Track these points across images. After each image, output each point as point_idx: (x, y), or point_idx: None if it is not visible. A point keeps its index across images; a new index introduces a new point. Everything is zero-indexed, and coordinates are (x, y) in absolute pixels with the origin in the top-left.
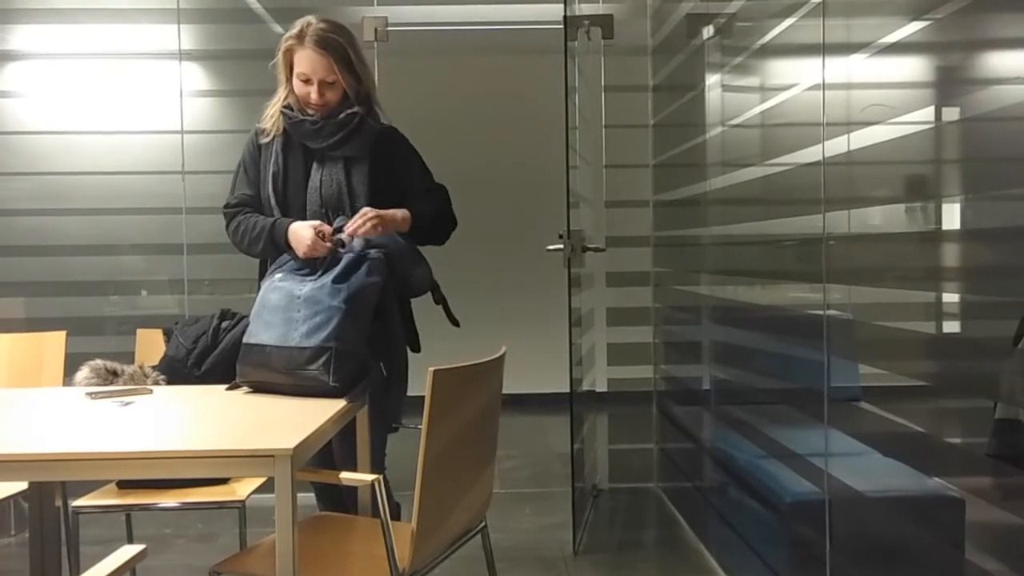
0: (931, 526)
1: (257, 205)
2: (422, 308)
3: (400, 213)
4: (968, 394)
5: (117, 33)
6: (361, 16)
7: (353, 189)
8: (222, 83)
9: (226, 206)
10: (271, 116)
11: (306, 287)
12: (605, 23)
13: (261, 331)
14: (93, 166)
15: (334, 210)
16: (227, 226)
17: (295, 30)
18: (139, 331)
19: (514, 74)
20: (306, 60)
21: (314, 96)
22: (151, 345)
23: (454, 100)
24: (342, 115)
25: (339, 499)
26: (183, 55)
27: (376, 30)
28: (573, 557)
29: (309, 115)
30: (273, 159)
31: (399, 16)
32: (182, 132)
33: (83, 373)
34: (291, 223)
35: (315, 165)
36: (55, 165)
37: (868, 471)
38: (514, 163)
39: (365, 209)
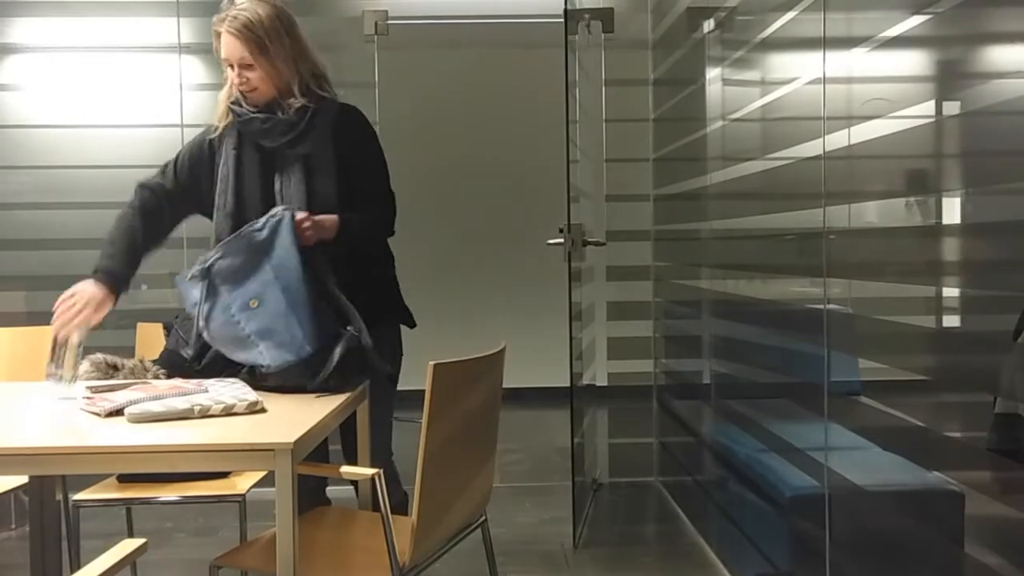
0: (931, 520)
1: (165, 196)
2: (421, 303)
3: (330, 220)
4: (968, 388)
5: (117, 26)
6: (362, 9)
7: (316, 191)
8: (222, 77)
9: (142, 183)
10: (222, 110)
11: (244, 316)
12: (606, 17)
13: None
14: (93, 160)
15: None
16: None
17: (219, 14)
18: (139, 325)
19: (514, 68)
20: (224, 44)
21: (235, 80)
22: (151, 339)
23: (454, 94)
24: (292, 111)
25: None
26: (183, 48)
27: (376, 23)
28: (573, 551)
29: (257, 111)
30: (223, 159)
31: (399, 9)
32: (182, 126)
33: (84, 367)
34: (94, 277)
35: (276, 169)
36: (55, 159)
37: (868, 465)
38: (514, 157)
39: (300, 216)
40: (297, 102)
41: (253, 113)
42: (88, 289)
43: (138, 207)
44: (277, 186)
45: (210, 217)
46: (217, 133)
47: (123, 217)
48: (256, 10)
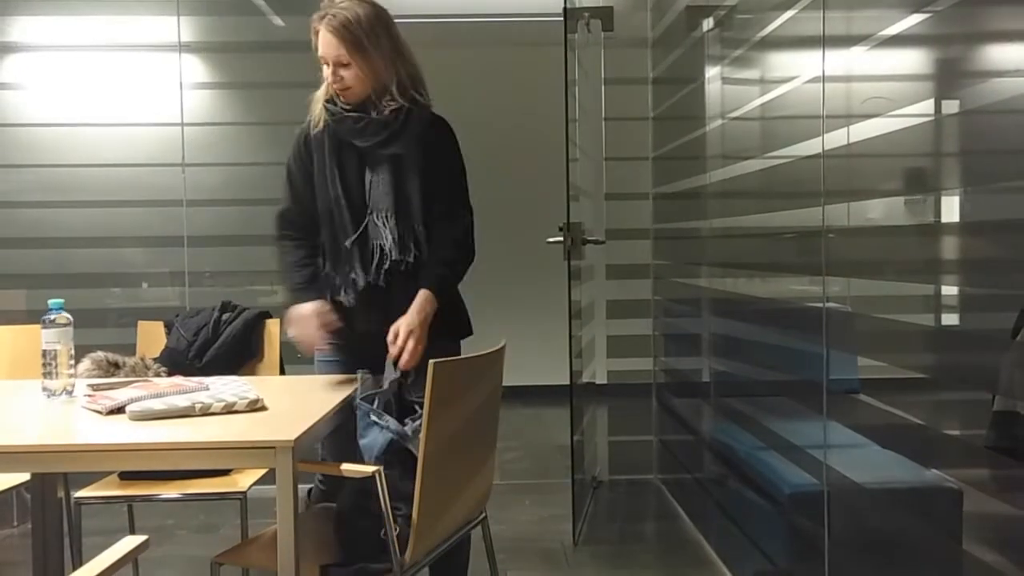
0: (929, 517)
1: (301, 217)
2: None
3: (427, 306)
4: (966, 386)
5: (117, 25)
6: None
7: (404, 192)
8: (222, 75)
9: (279, 212)
10: (316, 109)
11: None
12: (605, 15)
13: None
14: (93, 158)
15: (386, 214)
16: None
17: (319, 12)
18: (140, 323)
19: (514, 66)
20: (321, 42)
21: (329, 77)
22: (152, 337)
23: (453, 92)
24: (387, 111)
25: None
26: (183, 47)
27: None
28: (573, 548)
29: (348, 109)
30: (321, 155)
31: (398, 8)
32: (182, 124)
33: (84, 365)
34: (301, 307)
35: (368, 167)
36: (55, 157)
37: (867, 463)
38: (514, 156)
39: (399, 335)
40: (394, 103)
41: (347, 112)
42: (317, 305)
43: (292, 239)
44: (367, 185)
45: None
46: (316, 131)
47: (283, 251)
48: (355, 9)
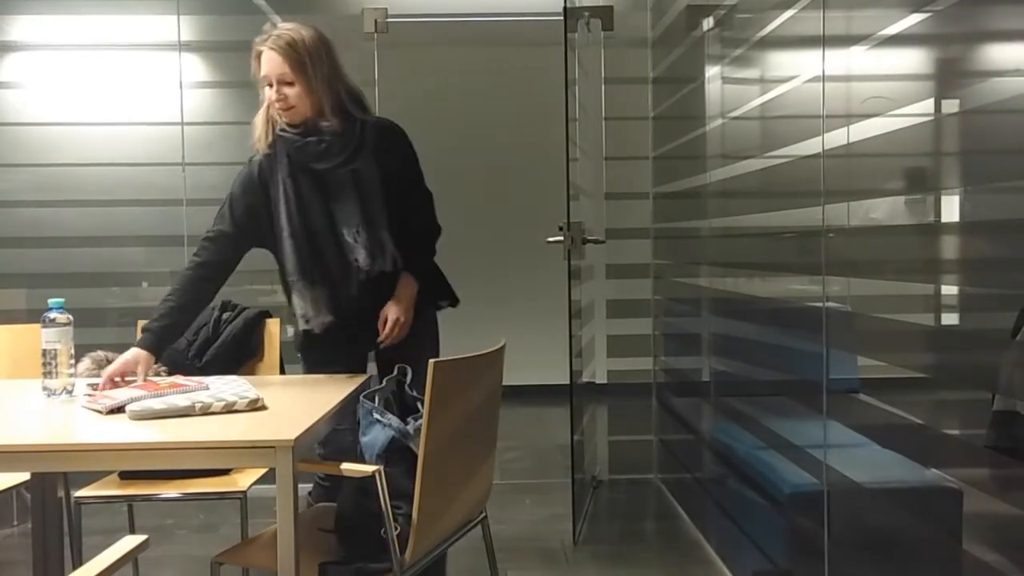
0: (929, 517)
1: (229, 242)
2: None
3: (409, 289)
4: (966, 386)
5: (117, 24)
6: (361, 7)
7: (371, 205)
8: (222, 74)
9: (206, 235)
10: (260, 132)
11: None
12: (605, 15)
13: None
14: (93, 158)
15: (356, 229)
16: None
17: (262, 35)
18: (140, 323)
19: (514, 65)
20: (265, 61)
21: (272, 96)
22: None
23: (454, 92)
24: (341, 128)
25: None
26: (183, 46)
27: (376, 21)
28: (573, 548)
29: (301, 132)
30: (282, 188)
31: (399, 7)
32: (182, 124)
33: (84, 364)
34: (140, 346)
35: (329, 188)
36: (55, 156)
37: (867, 462)
38: (514, 155)
39: (390, 318)
40: (336, 124)
41: (307, 138)
42: (131, 357)
43: (200, 262)
44: (332, 206)
45: (270, 248)
46: (261, 156)
47: (184, 273)
48: (300, 31)
